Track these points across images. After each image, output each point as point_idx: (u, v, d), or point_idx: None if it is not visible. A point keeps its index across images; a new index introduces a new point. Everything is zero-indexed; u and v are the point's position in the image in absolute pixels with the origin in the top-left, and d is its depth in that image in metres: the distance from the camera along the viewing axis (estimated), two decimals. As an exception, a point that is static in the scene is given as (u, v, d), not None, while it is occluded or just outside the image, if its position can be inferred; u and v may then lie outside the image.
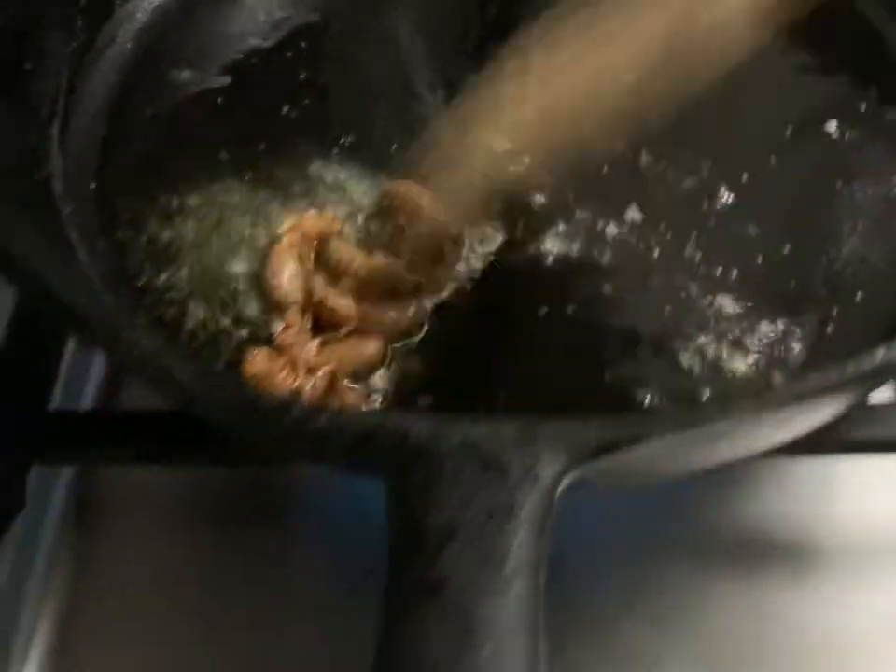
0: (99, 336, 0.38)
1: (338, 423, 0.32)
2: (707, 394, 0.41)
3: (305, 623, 0.47)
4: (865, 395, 0.38)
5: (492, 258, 0.48)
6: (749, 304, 0.46)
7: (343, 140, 0.55)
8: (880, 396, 0.47)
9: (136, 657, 0.47)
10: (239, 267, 0.49)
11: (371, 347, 0.43)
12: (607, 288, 0.47)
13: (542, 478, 0.31)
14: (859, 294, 0.47)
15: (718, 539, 0.50)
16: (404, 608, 0.30)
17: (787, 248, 0.49)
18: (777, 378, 0.41)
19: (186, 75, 0.59)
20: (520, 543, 0.30)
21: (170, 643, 0.47)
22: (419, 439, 0.31)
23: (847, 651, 0.46)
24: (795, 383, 0.32)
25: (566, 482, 0.31)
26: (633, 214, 0.50)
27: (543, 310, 0.46)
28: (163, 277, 0.49)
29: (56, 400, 0.52)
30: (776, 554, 0.49)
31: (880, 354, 0.32)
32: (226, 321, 0.47)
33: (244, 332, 0.46)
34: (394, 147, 0.54)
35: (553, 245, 0.49)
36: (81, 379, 0.54)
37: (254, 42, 0.60)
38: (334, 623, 0.47)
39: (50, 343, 0.51)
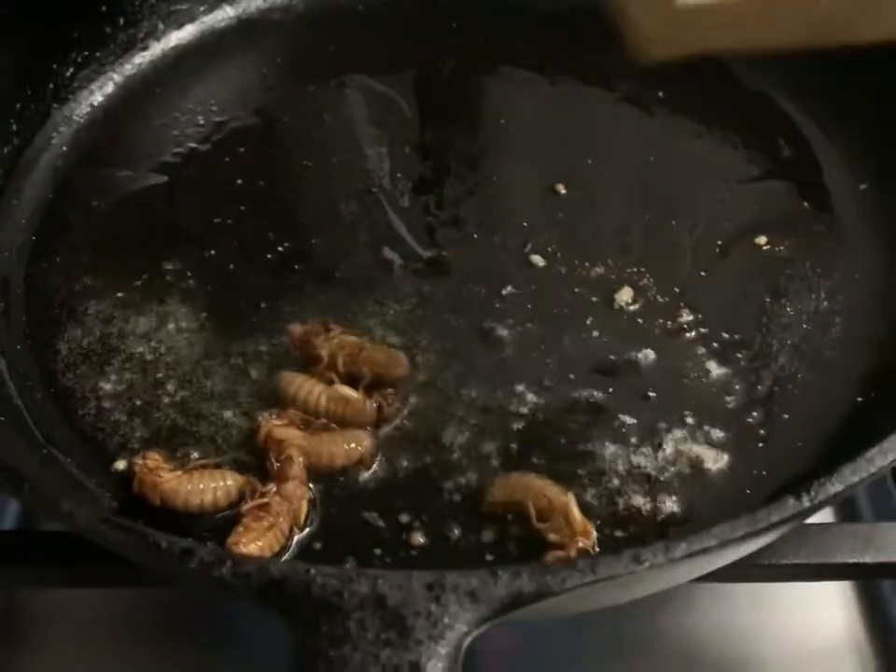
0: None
1: (241, 573, 0.31)
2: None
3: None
4: (783, 531, 0.38)
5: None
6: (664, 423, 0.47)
7: (279, 248, 0.55)
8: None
9: None
10: (171, 386, 0.48)
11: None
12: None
13: (449, 635, 0.30)
14: (785, 416, 0.47)
15: (655, 650, 0.50)
16: None
17: (715, 366, 0.49)
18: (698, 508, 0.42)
19: (123, 173, 0.59)
20: (424, 703, 0.29)
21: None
22: (324, 591, 0.31)
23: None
24: (702, 535, 0.32)
25: (473, 636, 0.31)
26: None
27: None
28: (90, 386, 0.48)
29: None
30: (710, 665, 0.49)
31: (791, 503, 0.31)
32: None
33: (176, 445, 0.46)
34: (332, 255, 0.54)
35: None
36: (2, 499, 0.52)
37: (192, 145, 0.60)
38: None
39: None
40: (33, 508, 0.36)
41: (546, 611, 0.33)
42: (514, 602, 0.31)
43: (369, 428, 0.46)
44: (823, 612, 0.51)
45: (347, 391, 0.47)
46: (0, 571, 0.46)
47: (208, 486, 0.43)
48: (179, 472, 0.43)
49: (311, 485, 0.44)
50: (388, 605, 0.30)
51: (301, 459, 0.43)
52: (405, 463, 0.45)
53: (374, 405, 0.46)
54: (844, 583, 0.51)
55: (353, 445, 0.45)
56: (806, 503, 0.33)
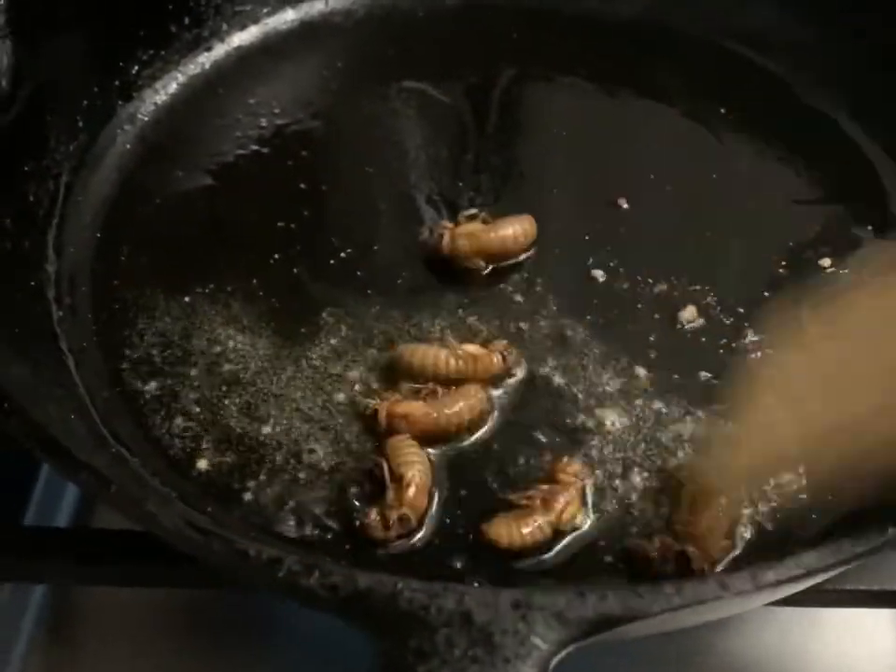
0: (67, 469, 0.37)
1: (328, 583, 0.31)
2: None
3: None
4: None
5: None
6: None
7: (342, 253, 0.55)
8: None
9: None
10: (236, 387, 0.49)
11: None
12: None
13: (535, 655, 0.30)
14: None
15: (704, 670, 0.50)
16: None
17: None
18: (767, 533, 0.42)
19: (186, 173, 0.59)
20: (510, 721, 0.29)
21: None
22: (411, 605, 0.31)
23: None
24: (789, 564, 0.32)
25: (559, 656, 0.31)
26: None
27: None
28: (155, 386, 0.49)
29: (31, 517, 0.51)
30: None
31: (874, 534, 0.31)
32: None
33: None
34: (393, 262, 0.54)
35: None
36: (56, 496, 0.53)
37: (254, 147, 0.60)
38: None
39: (27, 458, 0.50)
40: (116, 508, 0.36)
41: (631, 634, 0.33)
42: (601, 624, 0.31)
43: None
44: (873, 638, 0.51)
45: (473, 348, 0.48)
46: (54, 568, 0.46)
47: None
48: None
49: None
50: (475, 621, 0.30)
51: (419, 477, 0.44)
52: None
53: (499, 356, 0.48)
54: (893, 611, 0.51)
55: (473, 398, 0.47)
56: (891, 533, 0.33)
